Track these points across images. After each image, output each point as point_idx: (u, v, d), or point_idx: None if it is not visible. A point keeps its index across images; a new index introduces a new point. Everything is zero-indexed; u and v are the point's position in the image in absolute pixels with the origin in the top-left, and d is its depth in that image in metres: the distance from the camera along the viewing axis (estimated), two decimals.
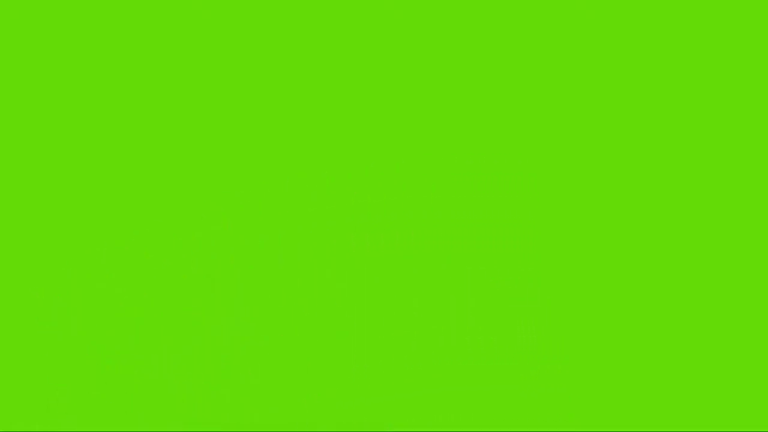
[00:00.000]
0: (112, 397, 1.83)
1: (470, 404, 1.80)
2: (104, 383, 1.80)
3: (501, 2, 1.79)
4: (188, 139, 1.78)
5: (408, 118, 1.77)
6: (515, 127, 1.72)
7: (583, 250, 1.74)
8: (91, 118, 1.79)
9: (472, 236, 1.82)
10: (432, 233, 1.78)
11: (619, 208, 1.75)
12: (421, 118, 1.78)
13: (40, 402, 1.69)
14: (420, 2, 1.74)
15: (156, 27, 1.72)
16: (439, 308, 1.78)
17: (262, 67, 1.72)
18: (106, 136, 1.81)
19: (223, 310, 1.76)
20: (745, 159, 1.79)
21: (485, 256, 1.75)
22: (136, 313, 1.80)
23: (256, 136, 1.79)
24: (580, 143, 1.73)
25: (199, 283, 1.73)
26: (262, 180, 1.69)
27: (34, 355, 1.71)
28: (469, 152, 1.76)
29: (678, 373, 1.76)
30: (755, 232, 1.77)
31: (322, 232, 1.78)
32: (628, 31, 1.75)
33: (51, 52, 1.72)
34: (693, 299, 1.78)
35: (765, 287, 1.78)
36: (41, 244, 1.80)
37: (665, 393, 1.75)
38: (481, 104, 1.74)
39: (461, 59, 1.73)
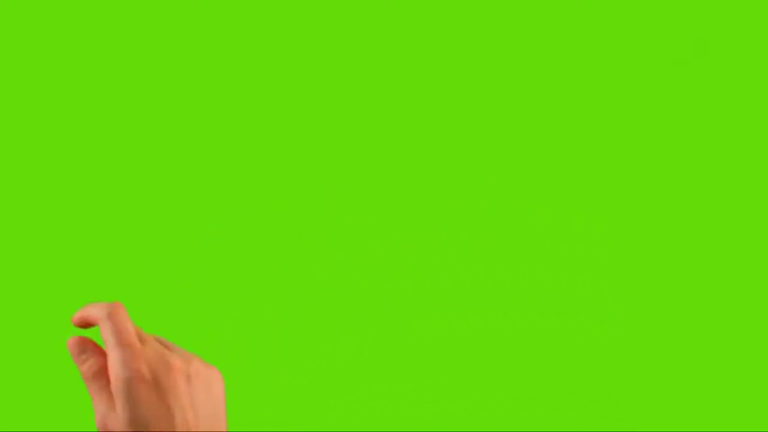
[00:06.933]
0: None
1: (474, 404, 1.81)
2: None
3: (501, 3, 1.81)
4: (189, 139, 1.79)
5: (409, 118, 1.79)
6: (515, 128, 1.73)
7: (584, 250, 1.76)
8: (91, 118, 1.80)
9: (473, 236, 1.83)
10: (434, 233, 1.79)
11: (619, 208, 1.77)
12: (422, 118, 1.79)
13: (39, 402, 1.71)
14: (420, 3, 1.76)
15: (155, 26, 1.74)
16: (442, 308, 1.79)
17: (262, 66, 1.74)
18: (106, 135, 1.83)
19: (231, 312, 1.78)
20: (745, 159, 1.80)
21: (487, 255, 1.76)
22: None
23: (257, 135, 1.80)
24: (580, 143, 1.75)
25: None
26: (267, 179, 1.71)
27: (34, 355, 1.73)
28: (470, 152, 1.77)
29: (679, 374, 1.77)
30: (755, 232, 1.78)
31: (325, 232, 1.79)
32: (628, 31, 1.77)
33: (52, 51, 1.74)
34: (694, 300, 1.79)
35: (765, 287, 1.79)
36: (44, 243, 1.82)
37: (666, 393, 1.76)
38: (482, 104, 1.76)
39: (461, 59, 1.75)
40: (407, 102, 1.75)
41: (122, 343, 0.68)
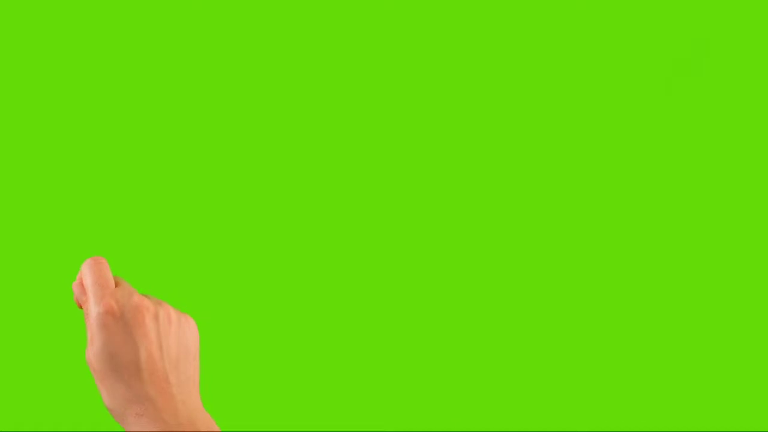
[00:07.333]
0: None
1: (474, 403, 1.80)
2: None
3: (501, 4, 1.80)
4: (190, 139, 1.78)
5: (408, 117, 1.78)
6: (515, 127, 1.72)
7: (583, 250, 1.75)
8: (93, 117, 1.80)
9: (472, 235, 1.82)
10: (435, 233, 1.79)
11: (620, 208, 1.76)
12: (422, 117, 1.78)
13: (39, 402, 1.70)
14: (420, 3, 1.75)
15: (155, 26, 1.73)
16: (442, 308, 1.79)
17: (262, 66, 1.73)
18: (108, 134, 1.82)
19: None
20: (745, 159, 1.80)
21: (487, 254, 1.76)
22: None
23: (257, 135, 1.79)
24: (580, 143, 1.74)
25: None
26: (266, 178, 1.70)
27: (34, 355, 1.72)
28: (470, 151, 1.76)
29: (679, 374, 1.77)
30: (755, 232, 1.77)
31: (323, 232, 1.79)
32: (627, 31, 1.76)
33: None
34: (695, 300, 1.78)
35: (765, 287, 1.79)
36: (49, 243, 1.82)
37: (666, 393, 1.75)
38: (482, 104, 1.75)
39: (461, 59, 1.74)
40: (407, 102, 1.75)
41: (96, 283, 0.76)
